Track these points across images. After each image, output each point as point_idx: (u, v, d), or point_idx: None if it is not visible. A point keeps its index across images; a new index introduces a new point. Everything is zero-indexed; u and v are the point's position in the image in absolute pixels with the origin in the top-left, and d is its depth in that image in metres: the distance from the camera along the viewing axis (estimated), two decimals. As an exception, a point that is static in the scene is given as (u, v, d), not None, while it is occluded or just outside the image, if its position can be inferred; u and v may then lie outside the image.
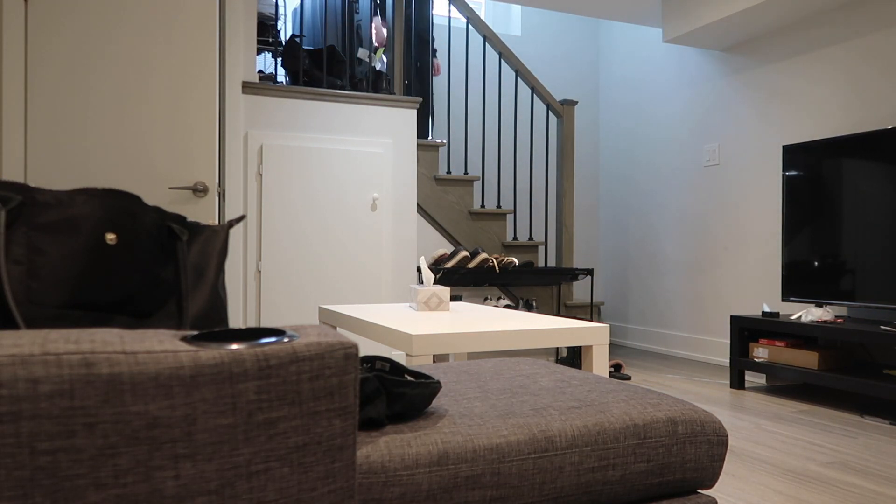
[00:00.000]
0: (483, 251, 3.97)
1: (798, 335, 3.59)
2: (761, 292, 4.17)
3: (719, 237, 4.48)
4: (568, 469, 0.97)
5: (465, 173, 4.31)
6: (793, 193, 3.63)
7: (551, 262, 5.07)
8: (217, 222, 2.74)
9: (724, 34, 4.14)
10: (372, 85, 3.93)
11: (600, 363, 1.88)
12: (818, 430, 2.80)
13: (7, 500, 0.56)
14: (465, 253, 3.89)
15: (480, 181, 4.85)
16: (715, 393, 3.53)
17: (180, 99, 2.56)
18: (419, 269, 3.81)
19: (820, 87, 3.83)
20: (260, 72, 3.68)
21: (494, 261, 3.96)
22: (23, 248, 0.78)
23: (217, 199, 2.61)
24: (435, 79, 5.14)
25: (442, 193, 4.19)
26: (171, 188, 2.55)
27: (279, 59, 3.76)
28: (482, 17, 5.30)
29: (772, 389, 3.66)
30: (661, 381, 3.87)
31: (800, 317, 3.41)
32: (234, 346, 0.65)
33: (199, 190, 2.56)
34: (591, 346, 1.87)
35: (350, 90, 3.70)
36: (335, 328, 2.37)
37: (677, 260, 4.86)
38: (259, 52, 3.75)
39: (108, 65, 2.50)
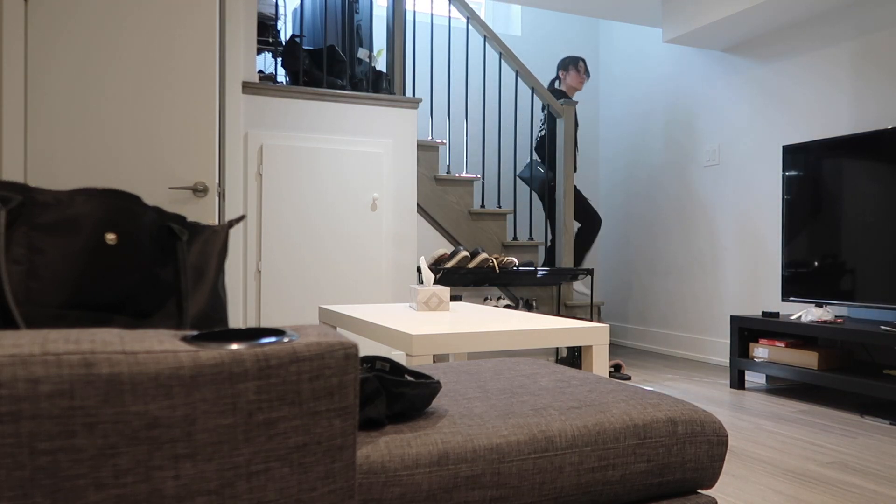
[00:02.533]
0: (483, 251, 3.97)
1: (798, 335, 3.59)
2: (761, 292, 4.17)
3: (719, 237, 4.48)
4: (568, 469, 0.97)
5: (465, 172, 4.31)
6: (792, 193, 3.63)
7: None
8: (217, 222, 2.74)
9: (724, 34, 4.14)
10: (372, 85, 3.93)
11: (600, 363, 1.87)
12: (818, 430, 2.80)
13: (7, 500, 0.56)
14: (465, 253, 3.89)
15: (480, 181, 4.85)
16: (715, 393, 3.53)
17: (180, 99, 2.56)
18: (419, 269, 3.81)
19: (820, 86, 3.83)
20: (260, 72, 3.68)
21: (494, 261, 3.96)
22: (23, 248, 0.78)
23: (217, 199, 2.61)
24: (435, 78, 5.14)
25: (442, 193, 4.19)
26: (171, 188, 2.55)
27: (279, 59, 3.76)
28: (482, 17, 5.30)
29: (772, 389, 3.66)
30: (661, 381, 3.87)
31: (800, 317, 3.40)
32: (234, 346, 0.65)
33: (199, 190, 2.56)
34: (591, 346, 1.87)
35: (350, 90, 3.70)
36: (335, 328, 2.37)
37: (677, 260, 4.86)
38: (259, 52, 3.75)
39: (108, 65, 2.50)
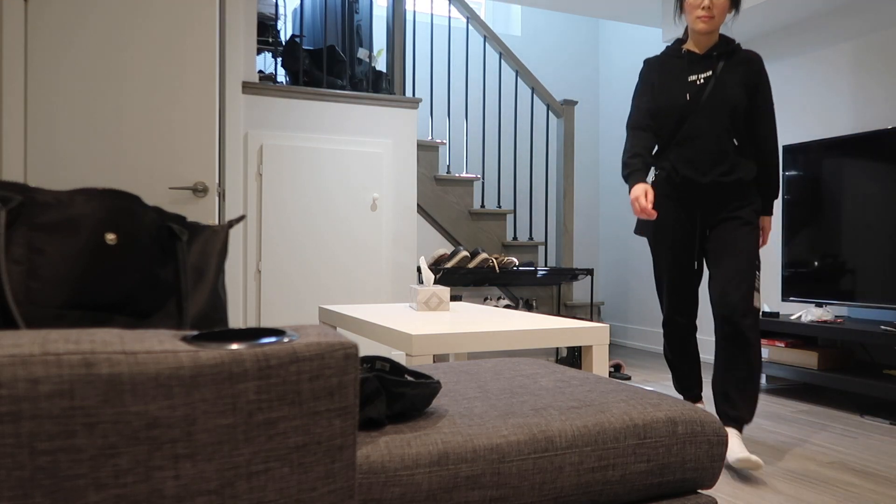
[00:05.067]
0: (483, 251, 3.97)
1: (798, 335, 3.59)
2: (761, 292, 4.17)
3: (719, 237, 4.48)
4: (568, 469, 0.97)
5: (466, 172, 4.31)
6: (793, 193, 3.63)
7: (551, 262, 5.08)
8: (217, 222, 2.74)
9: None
10: (372, 85, 3.93)
11: (600, 363, 1.87)
12: (818, 430, 2.80)
13: (7, 500, 0.56)
14: (465, 253, 3.89)
15: (480, 181, 4.85)
16: (715, 393, 3.53)
17: (180, 99, 2.56)
18: (419, 269, 3.81)
19: (820, 86, 3.83)
20: (260, 72, 3.68)
21: (494, 261, 3.96)
22: (23, 248, 0.78)
23: (217, 199, 2.61)
24: (435, 78, 5.14)
25: (442, 193, 4.19)
26: (171, 188, 2.55)
27: (279, 59, 3.76)
28: (482, 17, 5.30)
29: (772, 389, 3.66)
30: (661, 381, 3.86)
31: (800, 317, 3.40)
32: (234, 346, 0.65)
33: (199, 190, 2.56)
34: (591, 346, 1.87)
35: (350, 90, 3.70)
36: (335, 328, 2.37)
37: (677, 260, 4.86)
38: (259, 52, 3.75)
39: (107, 65, 2.50)
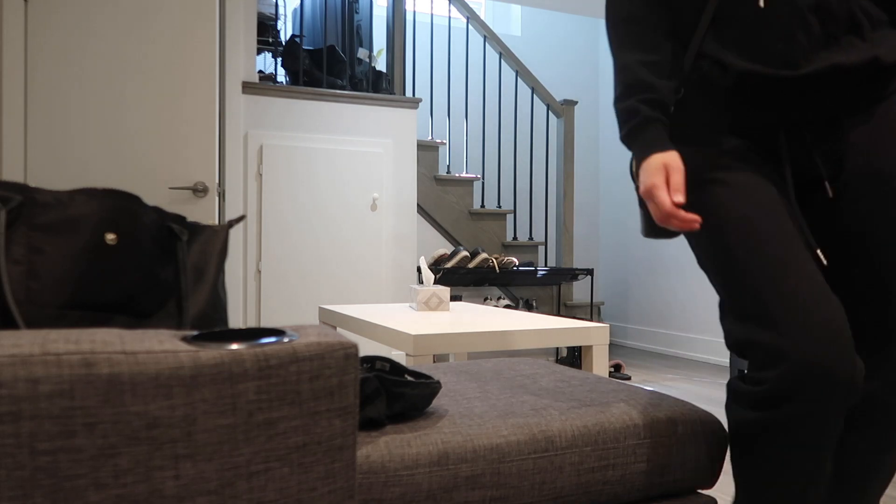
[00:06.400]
0: (483, 251, 3.97)
1: (798, 335, 3.59)
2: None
3: (719, 237, 4.48)
4: (568, 469, 0.97)
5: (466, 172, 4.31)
6: (793, 193, 3.63)
7: (551, 262, 5.08)
8: (217, 222, 2.74)
9: (724, 34, 4.14)
10: (372, 85, 3.93)
11: (600, 363, 1.87)
12: (818, 430, 2.80)
13: (7, 500, 0.56)
14: (465, 253, 3.89)
15: (480, 181, 4.85)
16: (715, 393, 3.53)
17: (180, 99, 2.56)
18: (419, 269, 3.81)
19: (820, 87, 3.83)
20: (260, 72, 3.68)
21: (494, 261, 3.96)
22: (23, 248, 0.78)
23: (217, 199, 2.61)
24: (435, 78, 5.14)
25: (442, 193, 4.19)
26: (170, 188, 2.55)
27: (279, 59, 3.76)
28: (482, 17, 5.30)
29: (772, 389, 3.66)
30: (661, 381, 3.87)
31: (800, 317, 3.40)
32: (234, 346, 0.65)
33: (198, 190, 2.56)
34: (591, 346, 1.87)
35: (350, 90, 3.70)
36: (335, 328, 2.37)
37: (677, 260, 4.86)
38: (259, 52, 3.75)
39: (108, 65, 2.50)
